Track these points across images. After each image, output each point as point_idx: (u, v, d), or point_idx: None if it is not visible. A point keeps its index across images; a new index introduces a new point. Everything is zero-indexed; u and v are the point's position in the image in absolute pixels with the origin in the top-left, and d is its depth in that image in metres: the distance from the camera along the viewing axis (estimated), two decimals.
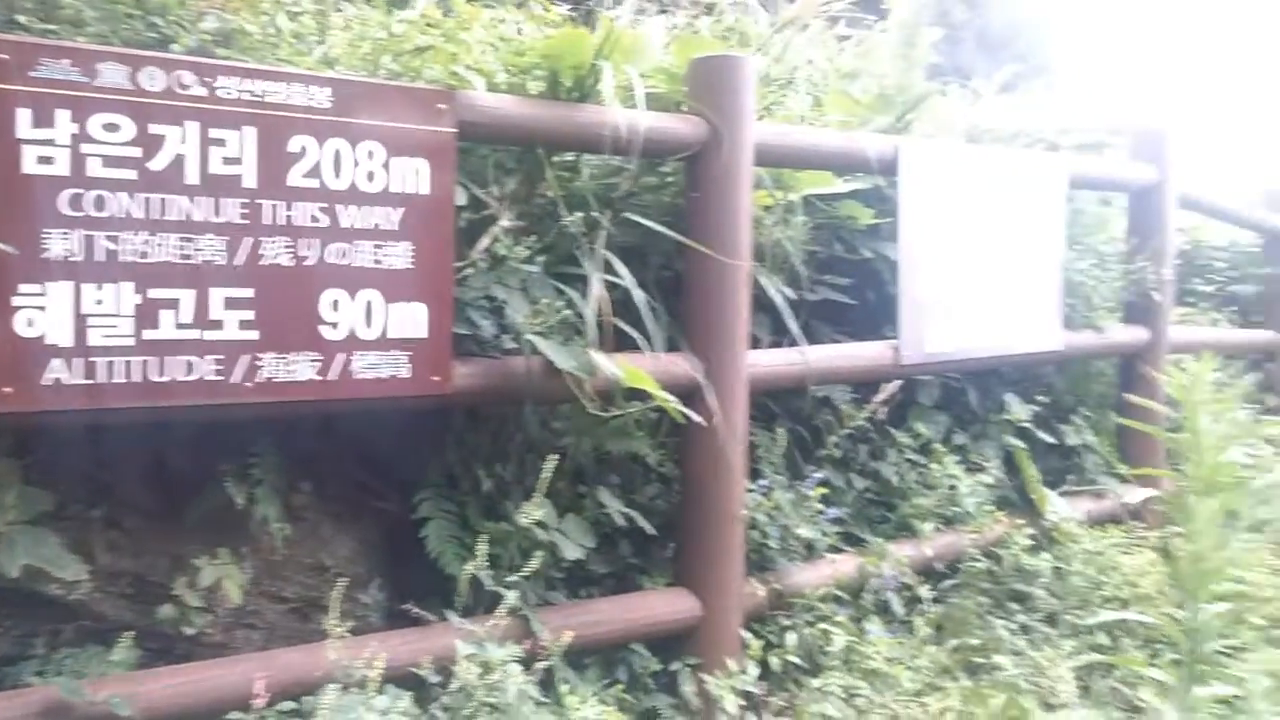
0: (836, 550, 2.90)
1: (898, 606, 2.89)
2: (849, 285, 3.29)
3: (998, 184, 3.35)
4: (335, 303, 2.01)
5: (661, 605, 2.46)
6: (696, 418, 2.41)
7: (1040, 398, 3.73)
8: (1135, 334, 3.88)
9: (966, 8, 6.64)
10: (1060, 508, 3.52)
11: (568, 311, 2.33)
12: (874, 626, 2.74)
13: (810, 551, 2.81)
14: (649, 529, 2.50)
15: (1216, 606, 2.11)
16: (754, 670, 2.36)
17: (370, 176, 2.05)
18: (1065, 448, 3.80)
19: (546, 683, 2.11)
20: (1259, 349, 5.29)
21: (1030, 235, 3.45)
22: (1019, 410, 3.60)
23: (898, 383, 2.96)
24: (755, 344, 2.86)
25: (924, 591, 2.88)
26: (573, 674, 2.23)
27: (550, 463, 2.14)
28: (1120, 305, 3.95)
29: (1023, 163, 3.49)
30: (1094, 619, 2.78)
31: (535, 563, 2.04)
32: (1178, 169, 3.92)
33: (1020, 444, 3.54)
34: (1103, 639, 3.20)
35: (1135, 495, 3.92)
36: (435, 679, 1.88)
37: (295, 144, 1.97)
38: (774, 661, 2.52)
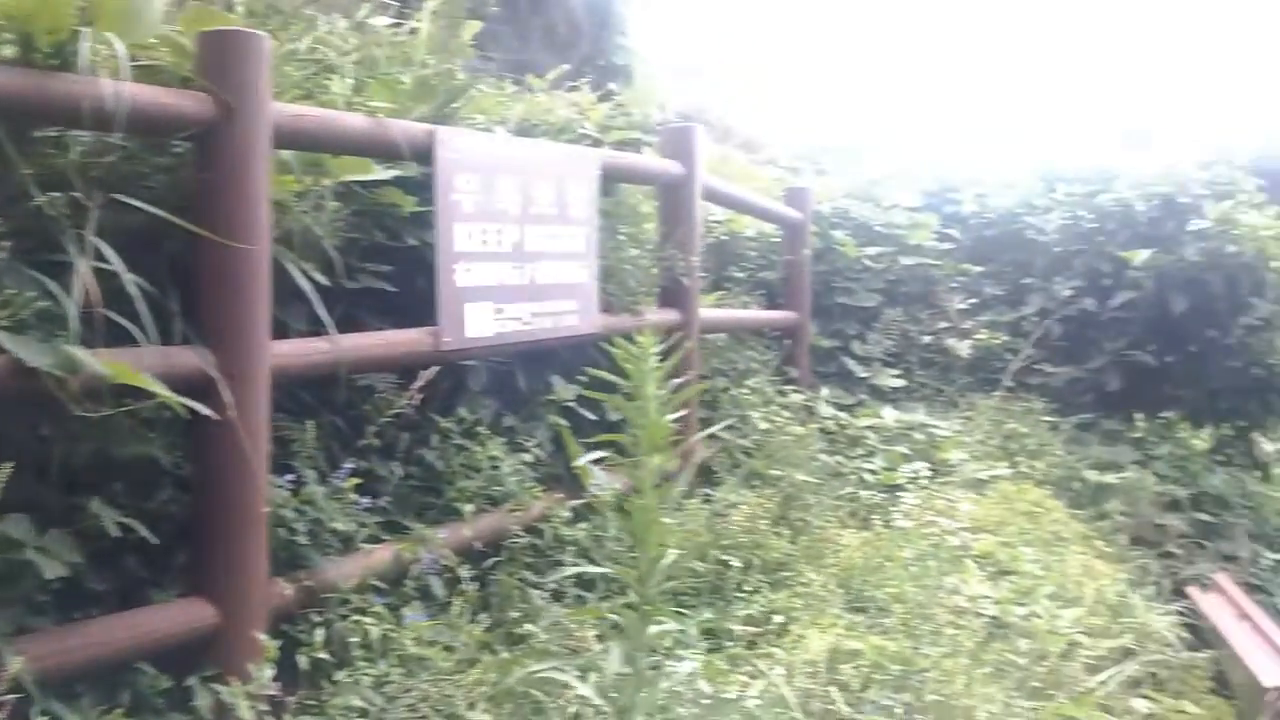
0: (378, 540, 2.89)
1: (439, 589, 2.94)
2: (395, 273, 3.28)
3: (538, 174, 3.50)
4: None
5: (172, 618, 2.30)
6: (207, 412, 2.28)
7: (584, 378, 3.96)
8: (669, 316, 4.26)
9: (529, 6, 6.85)
10: (602, 479, 3.78)
11: (47, 303, 2.10)
12: (413, 612, 2.76)
13: (347, 544, 2.78)
14: (151, 538, 2.32)
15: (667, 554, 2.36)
16: (269, 672, 2.28)
17: None
18: (608, 423, 4.07)
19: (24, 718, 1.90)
20: (782, 327, 6.02)
21: (570, 223, 3.65)
22: (564, 391, 3.81)
23: (435, 368, 3.01)
24: (287, 333, 2.77)
25: (464, 572, 2.95)
26: (61, 704, 2.03)
27: (4, 472, 1.91)
28: (656, 290, 4.30)
29: (563, 155, 3.68)
30: (557, 574, 2.96)
31: None
32: (701, 165, 4.34)
33: (564, 423, 3.73)
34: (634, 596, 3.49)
35: (671, 463, 4.33)
36: None
37: None
38: (303, 660, 2.46)
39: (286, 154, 2.85)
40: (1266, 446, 9.30)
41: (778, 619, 3.38)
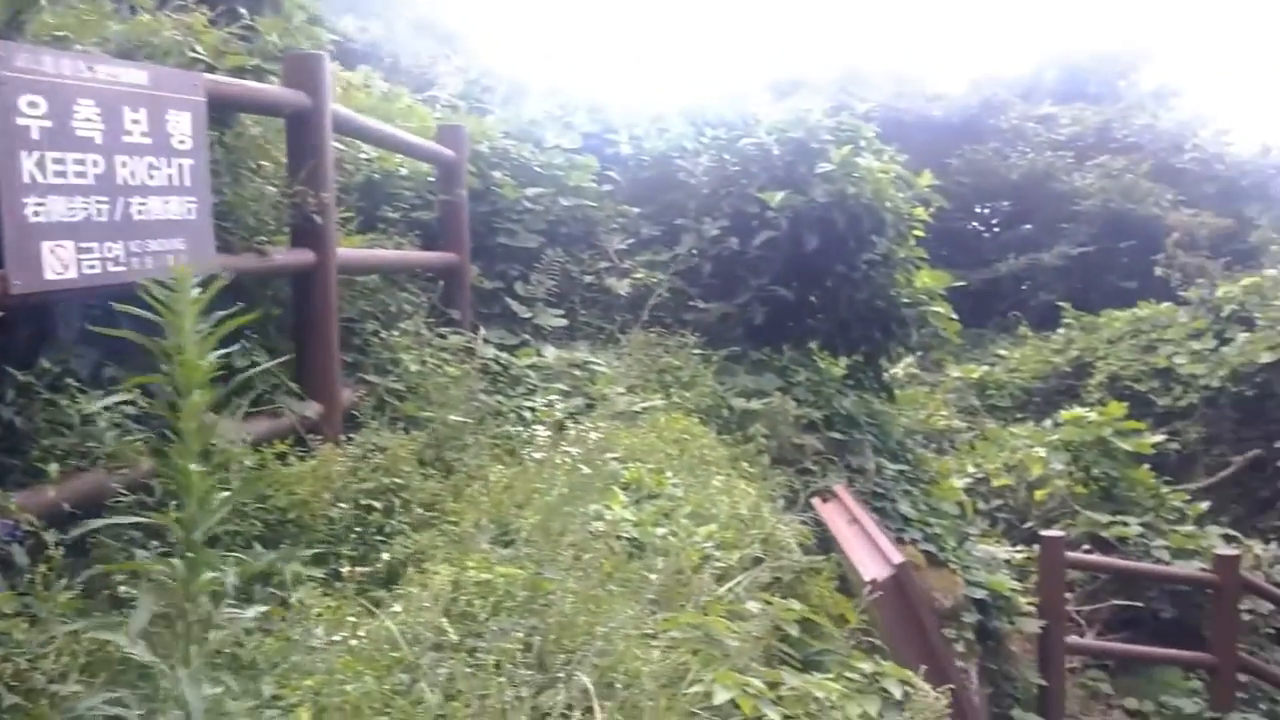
0: None
1: (22, 558, 2.65)
2: None
3: (130, 99, 3.17)
4: None
5: None
6: None
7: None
8: (301, 256, 4.04)
9: None
10: (229, 430, 3.55)
11: None
12: None
13: None
14: None
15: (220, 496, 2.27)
16: None
17: None
18: (237, 370, 3.83)
19: None
20: (439, 268, 5.92)
21: (172, 154, 3.34)
22: None
23: None
24: None
25: (50, 536, 2.67)
26: None
27: None
28: (287, 228, 4.07)
29: (160, 78, 3.34)
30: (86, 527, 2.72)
31: None
32: (330, 96, 4.13)
33: None
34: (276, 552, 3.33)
35: (311, 409, 4.16)
36: None
37: None
38: None
39: None
40: (895, 371, 10.40)
41: (385, 557, 3.35)
